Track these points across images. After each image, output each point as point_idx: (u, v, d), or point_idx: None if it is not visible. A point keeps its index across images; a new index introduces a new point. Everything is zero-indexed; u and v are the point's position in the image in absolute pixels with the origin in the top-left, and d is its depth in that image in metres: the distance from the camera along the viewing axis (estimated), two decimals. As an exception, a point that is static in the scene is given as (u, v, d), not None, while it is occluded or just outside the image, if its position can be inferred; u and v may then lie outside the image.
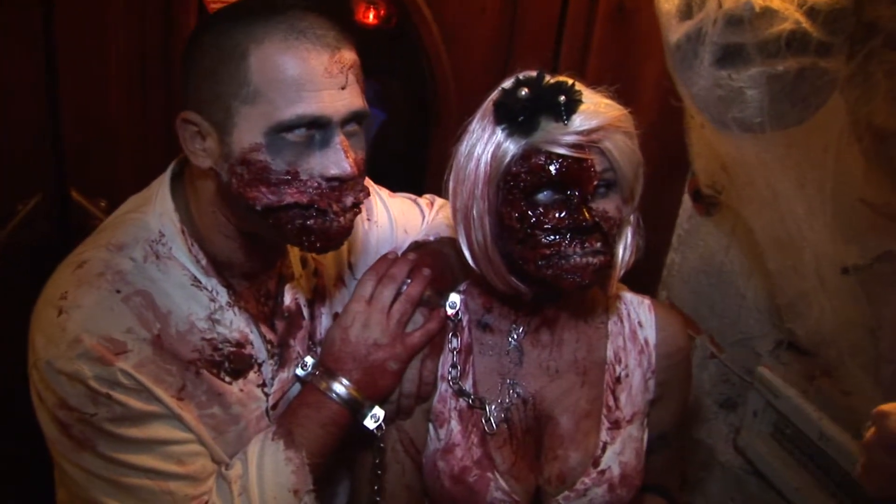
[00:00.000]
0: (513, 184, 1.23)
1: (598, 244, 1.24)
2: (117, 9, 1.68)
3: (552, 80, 1.22)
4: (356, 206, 1.20)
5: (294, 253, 1.39)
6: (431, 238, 1.52)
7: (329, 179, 1.15)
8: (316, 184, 1.15)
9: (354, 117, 1.17)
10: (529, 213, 1.23)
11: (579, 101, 1.20)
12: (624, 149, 1.24)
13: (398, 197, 1.64)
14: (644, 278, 2.29)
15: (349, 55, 1.16)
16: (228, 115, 1.12)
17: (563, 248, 1.22)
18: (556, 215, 1.22)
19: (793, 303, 1.72)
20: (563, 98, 1.19)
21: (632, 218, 1.35)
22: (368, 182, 1.58)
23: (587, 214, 1.21)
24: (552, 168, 1.20)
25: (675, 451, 1.53)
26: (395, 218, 1.57)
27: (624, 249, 1.35)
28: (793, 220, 1.60)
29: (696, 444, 2.18)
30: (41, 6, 1.59)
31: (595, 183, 1.22)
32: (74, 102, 1.69)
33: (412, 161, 2.46)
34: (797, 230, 1.60)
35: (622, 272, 1.36)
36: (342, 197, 1.17)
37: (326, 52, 1.12)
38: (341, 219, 1.18)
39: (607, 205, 1.25)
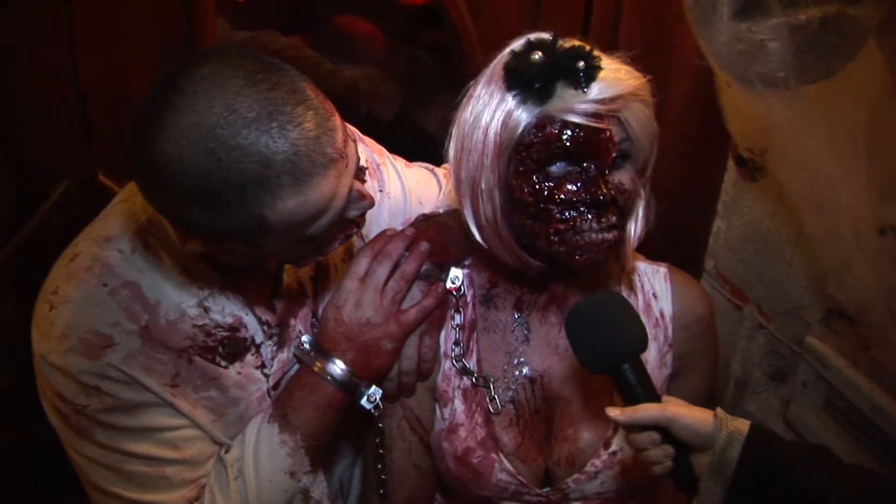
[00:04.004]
0: (525, 154, 1.16)
1: (614, 218, 1.18)
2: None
3: (568, 44, 1.15)
4: None
5: None
6: (441, 210, 1.47)
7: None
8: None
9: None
10: (542, 185, 1.17)
11: (599, 68, 1.14)
12: (642, 118, 1.18)
13: (415, 167, 1.60)
14: (690, 247, 2.22)
15: (340, 134, 1.08)
16: (251, 245, 1.10)
17: (578, 224, 1.16)
18: (571, 188, 1.16)
19: (833, 269, 1.63)
20: (581, 64, 1.12)
21: (642, 190, 1.28)
22: (383, 151, 1.54)
23: (605, 188, 1.15)
24: (568, 138, 1.14)
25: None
26: (409, 189, 1.53)
27: (635, 223, 1.28)
28: (826, 180, 1.51)
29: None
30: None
31: (613, 155, 1.15)
32: (100, 88, 1.73)
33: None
34: (832, 191, 1.51)
35: (635, 245, 1.30)
36: None
37: (331, 167, 1.06)
38: None
39: (623, 177, 1.19)
